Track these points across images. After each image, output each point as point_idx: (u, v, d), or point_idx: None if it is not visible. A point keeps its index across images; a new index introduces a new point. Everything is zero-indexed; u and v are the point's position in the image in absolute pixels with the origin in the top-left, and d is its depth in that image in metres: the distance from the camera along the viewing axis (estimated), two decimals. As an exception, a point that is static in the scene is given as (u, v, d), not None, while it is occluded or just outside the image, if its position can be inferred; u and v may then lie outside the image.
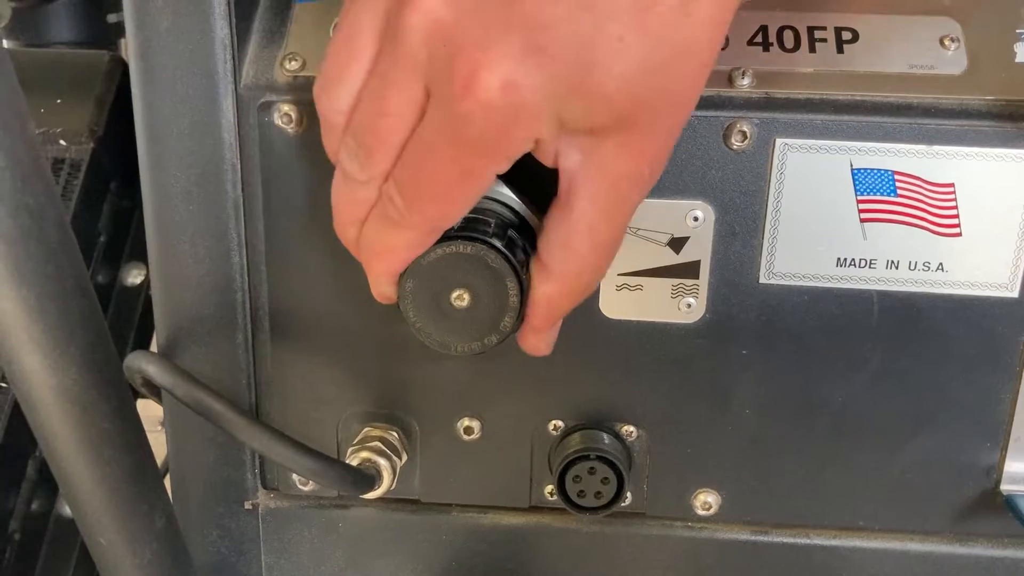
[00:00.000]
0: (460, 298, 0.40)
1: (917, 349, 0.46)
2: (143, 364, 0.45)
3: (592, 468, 0.47)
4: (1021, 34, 0.45)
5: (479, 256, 0.39)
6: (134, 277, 0.76)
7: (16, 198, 0.30)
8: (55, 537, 0.76)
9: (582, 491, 0.48)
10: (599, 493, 0.48)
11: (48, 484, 0.75)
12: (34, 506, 0.72)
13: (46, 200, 0.31)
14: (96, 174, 0.69)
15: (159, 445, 0.50)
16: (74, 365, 0.35)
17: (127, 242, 0.75)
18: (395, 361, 0.48)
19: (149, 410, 0.62)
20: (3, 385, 0.69)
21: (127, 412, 0.39)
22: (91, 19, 0.88)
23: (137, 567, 0.42)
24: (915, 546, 0.50)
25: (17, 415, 0.68)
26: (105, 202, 0.72)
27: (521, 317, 0.40)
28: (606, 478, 0.47)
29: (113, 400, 0.37)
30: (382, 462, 0.47)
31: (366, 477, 0.46)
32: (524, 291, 0.40)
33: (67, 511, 0.79)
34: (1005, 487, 0.48)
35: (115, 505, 0.40)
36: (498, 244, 0.39)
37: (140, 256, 0.74)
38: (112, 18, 0.86)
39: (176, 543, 0.44)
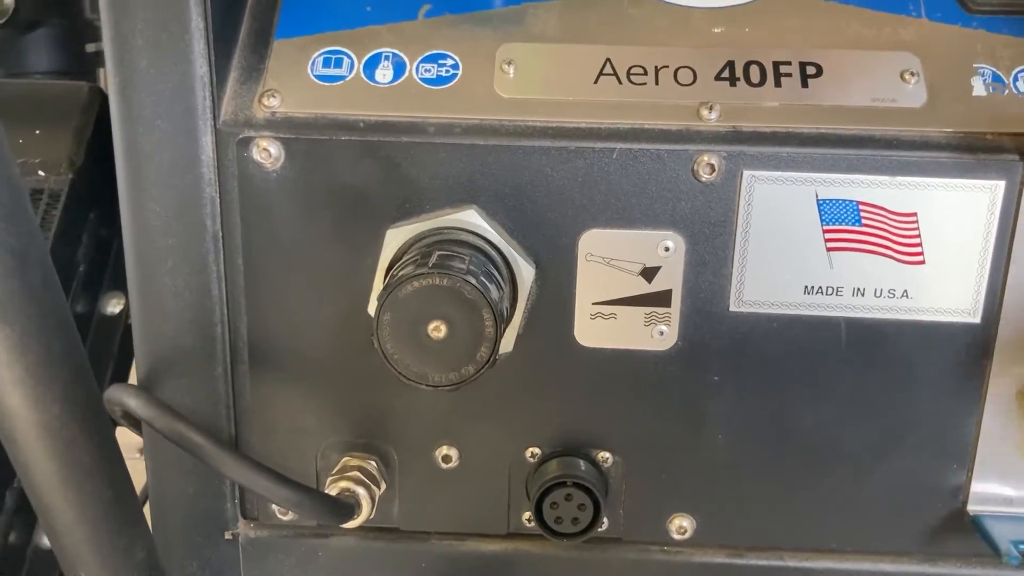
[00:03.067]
0: (437, 329, 0.41)
1: (884, 374, 0.48)
2: (123, 397, 0.45)
3: (569, 495, 0.48)
4: (978, 68, 0.47)
5: (455, 288, 0.40)
6: (113, 306, 0.76)
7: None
8: (32, 569, 0.76)
9: (559, 517, 0.48)
10: (576, 519, 0.48)
11: (25, 515, 0.75)
12: (12, 538, 0.72)
13: (29, 240, 0.32)
14: (75, 204, 0.69)
15: (139, 472, 0.50)
16: (56, 402, 0.36)
17: (106, 272, 0.75)
18: (373, 391, 0.49)
19: (127, 437, 0.62)
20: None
21: (108, 446, 0.39)
22: (70, 49, 0.88)
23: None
24: (886, 567, 0.51)
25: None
26: (84, 232, 0.72)
27: (497, 347, 0.41)
28: (583, 504, 0.48)
29: (94, 435, 0.38)
30: (361, 491, 0.48)
31: (345, 507, 0.47)
32: (499, 322, 0.41)
33: (45, 542, 0.79)
34: (972, 508, 0.49)
35: (96, 538, 0.40)
36: (472, 280, 0.40)
37: (119, 285, 0.74)
38: (91, 47, 0.87)
39: (157, 575, 0.44)
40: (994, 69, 0.47)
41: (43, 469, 0.37)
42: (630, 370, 0.48)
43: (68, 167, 0.68)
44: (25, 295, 0.33)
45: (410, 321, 0.41)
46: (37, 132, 0.72)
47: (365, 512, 0.48)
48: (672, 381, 0.48)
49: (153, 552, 0.44)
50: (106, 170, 0.51)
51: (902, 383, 0.48)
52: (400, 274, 0.41)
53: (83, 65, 0.86)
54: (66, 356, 0.35)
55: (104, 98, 0.69)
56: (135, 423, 0.49)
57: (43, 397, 0.35)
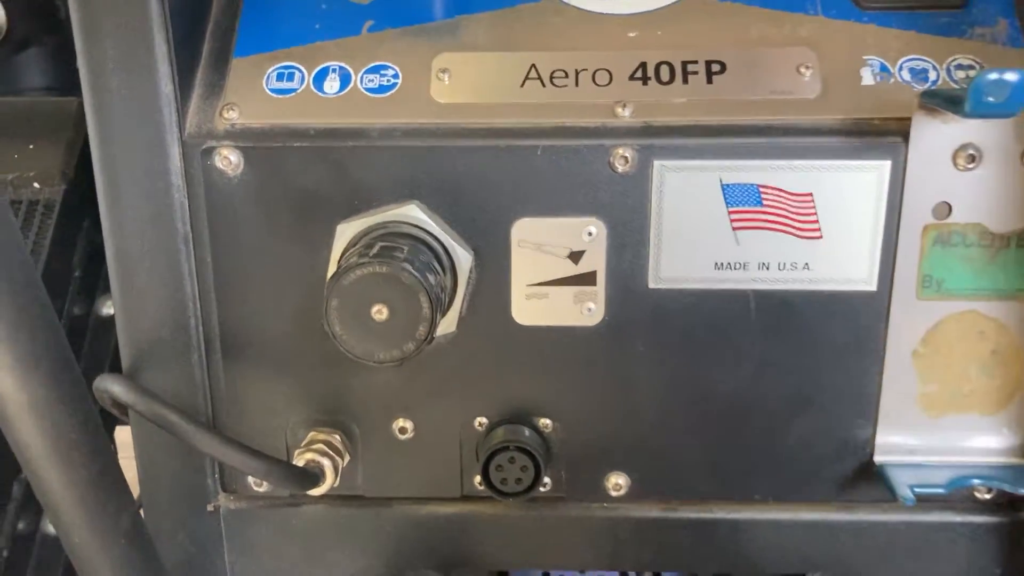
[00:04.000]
0: (380, 312, 0.46)
1: (793, 340, 0.53)
2: (109, 385, 0.51)
3: (512, 458, 0.53)
4: (867, 60, 0.52)
5: (394, 275, 0.45)
6: (108, 308, 0.81)
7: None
8: (40, 555, 0.81)
9: (504, 479, 0.54)
10: (519, 479, 0.54)
11: (33, 505, 0.81)
12: (20, 526, 0.78)
13: (10, 242, 0.37)
14: (69, 214, 0.74)
15: (131, 470, 0.55)
16: (42, 385, 0.41)
17: (100, 275, 0.80)
18: (335, 372, 0.54)
19: (123, 435, 0.66)
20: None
21: (92, 424, 0.44)
22: (61, 66, 0.93)
23: (108, 563, 0.48)
24: (804, 515, 0.56)
25: (1, 442, 0.73)
26: (78, 239, 0.77)
27: (433, 327, 0.46)
28: (525, 466, 0.53)
29: (79, 414, 0.43)
30: (325, 462, 0.53)
31: (311, 475, 0.52)
32: (434, 305, 0.46)
33: (52, 530, 0.85)
34: (878, 458, 0.54)
35: (83, 506, 0.45)
36: (409, 267, 0.45)
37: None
38: (81, 65, 0.91)
39: (143, 540, 0.50)
40: (882, 60, 0.52)
41: (33, 445, 0.42)
42: (564, 344, 0.53)
43: (61, 179, 0.73)
44: (10, 292, 0.38)
45: (355, 305, 0.46)
46: (31, 147, 0.77)
47: (329, 480, 0.53)
48: (602, 352, 0.53)
49: (139, 520, 0.49)
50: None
51: (809, 348, 0.53)
52: (345, 264, 0.46)
53: (74, 81, 0.91)
54: (50, 346, 0.41)
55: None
56: (122, 410, 0.54)
57: (30, 380, 0.40)
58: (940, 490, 0.52)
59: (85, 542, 0.47)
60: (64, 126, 0.78)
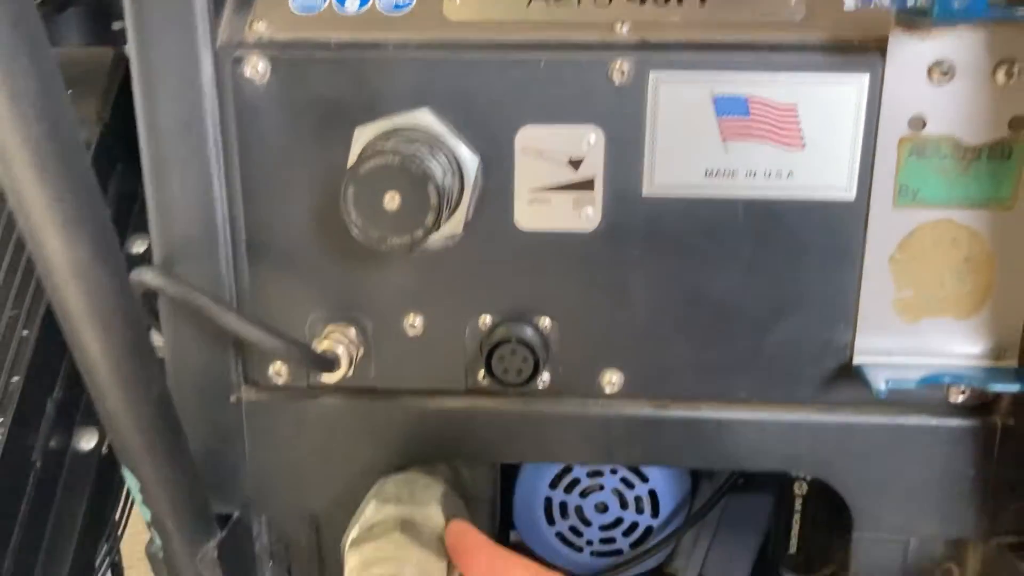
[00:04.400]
0: (392, 200, 0.50)
1: (777, 246, 0.56)
2: (141, 275, 0.55)
3: (513, 350, 0.57)
4: (851, -15, 0.55)
5: (404, 166, 0.50)
6: (138, 247, 0.85)
7: (40, 107, 0.41)
8: (71, 471, 0.86)
9: (506, 369, 0.58)
10: (520, 370, 0.58)
11: (66, 421, 0.86)
12: (52, 443, 0.82)
13: (61, 109, 0.42)
14: (103, 156, 0.78)
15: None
16: (87, 248, 0.45)
17: (131, 220, 0.85)
18: (351, 269, 0.59)
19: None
20: (24, 333, 0.79)
21: (129, 295, 0.49)
22: (98, 27, 0.98)
23: (137, 429, 0.52)
24: (787, 416, 0.60)
25: (37, 356, 0.78)
26: (111, 182, 0.81)
27: (440, 215, 0.50)
28: (525, 358, 0.57)
29: (118, 280, 0.47)
30: (341, 350, 0.58)
31: (327, 360, 0.57)
32: (442, 196, 0.50)
33: (83, 446, 0.90)
34: (857, 359, 0.58)
35: (119, 373, 0.50)
36: (419, 160, 0.49)
37: (142, 228, 0.84)
38: (116, 25, 0.96)
39: (170, 412, 0.54)
40: (866, -14, 0.56)
41: (76, 305, 0.47)
42: (563, 248, 0.57)
43: (97, 121, 0.78)
44: (60, 156, 0.42)
45: (370, 194, 0.50)
46: (69, 92, 0.81)
47: (344, 367, 0.58)
48: (598, 256, 0.57)
49: (167, 394, 0.54)
50: (130, 128, 0.59)
51: (793, 253, 0.56)
52: (362, 157, 0.51)
53: (110, 40, 0.96)
54: (93, 210, 0.45)
55: (128, 64, 0.79)
56: (152, 313, 0.59)
57: (75, 239, 0.45)
58: (912, 385, 0.55)
59: (118, 408, 0.51)
60: (100, 75, 0.82)
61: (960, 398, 0.58)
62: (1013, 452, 0.59)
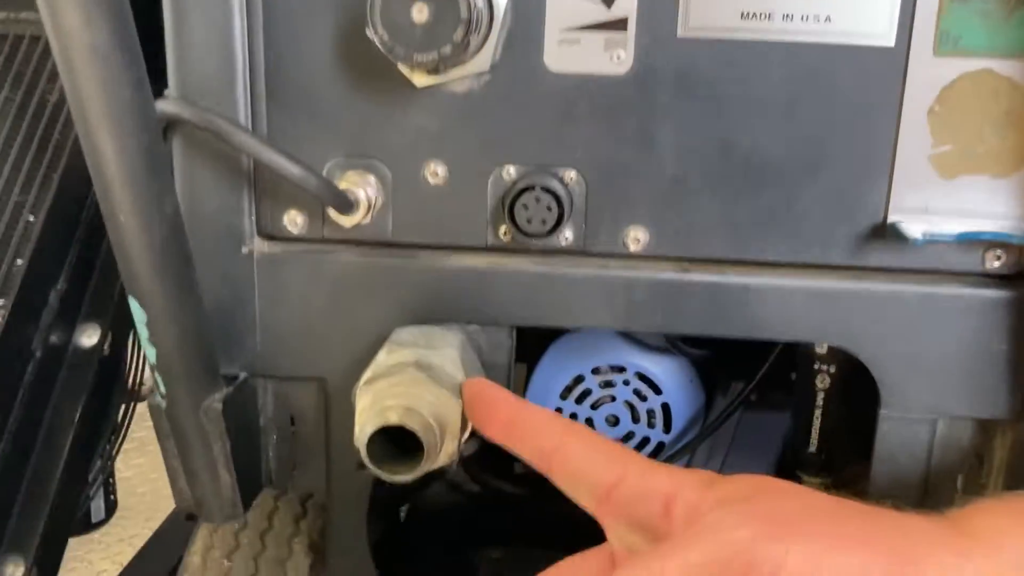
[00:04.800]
0: (420, 11, 0.49)
1: (812, 95, 0.55)
2: (163, 104, 0.54)
3: (538, 198, 0.56)
4: None
5: (436, -23, 0.48)
6: (89, 337, 0.84)
7: None
8: (71, 367, 0.84)
9: (529, 218, 0.56)
10: (544, 220, 0.56)
11: (67, 316, 0.84)
12: (53, 337, 0.80)
13: None
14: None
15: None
16: (105, 30, 0.44)
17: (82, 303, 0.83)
18: (372, 113, 0.57)
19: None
20: (31, 219, 0.77)
21: (146, 90, 0.47)
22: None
23: (148, 247, 0.50)
24: (816, 283, 0.58)
25: (42, 243, 0.76)
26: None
27: (469, 33, 0.49)
28: (549, 206, 0.56)
29: (135, 70, 0.46)
30: (360, 192, 0.56)
31: (345, 199, 0.55)
32: (471, 10, 0.48)
33: (84, 343, 0.88)
34: (892, 217, 0.56)
35: (132, 179, 0.48)
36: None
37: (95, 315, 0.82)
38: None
39: (182, 237, 0.52)
40: None
41: (90, 95, 0.45)
42: (592, 92, 0.56)
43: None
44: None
45: (398, 4, 0.48)
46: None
47: (362, 211, 0.56)
48: (628, 103, 0.56)
49: (180, 219, 0.52)
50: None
51: (828, 103, 0.55)
52: (390, -30, 0.49)
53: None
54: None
55: None
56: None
57: (95, 21, 0.43)
58: (950, 239, 0.54)
59: (130, 222, 0.49)
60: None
61: (996, 263, 0.57)
62: (1048, 325, 0.57)
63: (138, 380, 1.08)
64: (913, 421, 0.60)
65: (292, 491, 0.75)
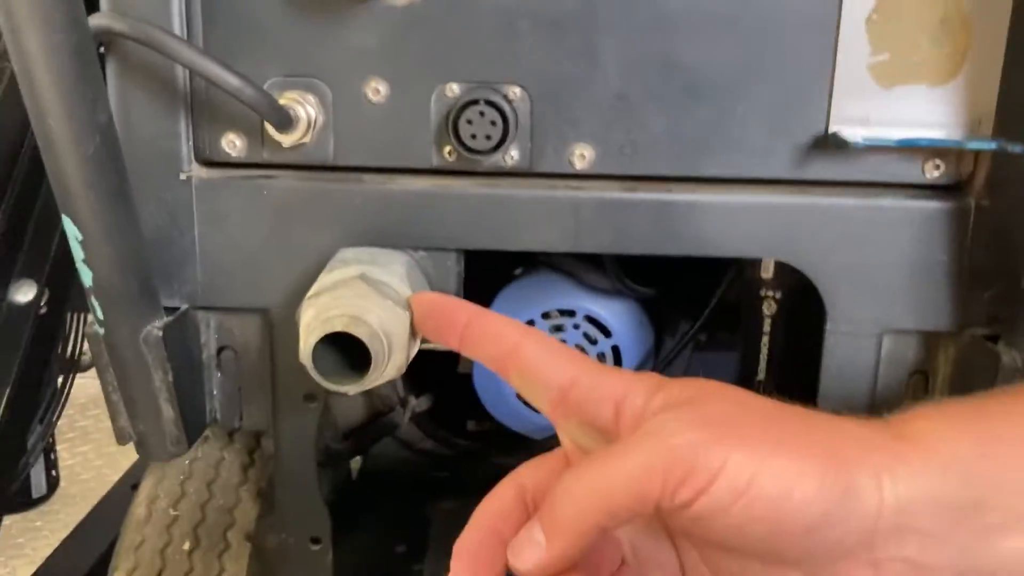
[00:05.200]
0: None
1: (753, 7, 0.55)
2: (99, 20, 0.52)
3: (482, 112, 0.55)
4: None
5: None
6: (24, 294, 0.83)
7: None
8: (6, 323, 0.82)
9: (474, 134, 0.55)
10: (488, 136, 0.55)
11: (2, 272, 0.82)
12: (-14, 295, 0.78)
13: None
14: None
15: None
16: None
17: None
18: (311, 30, 0.56)
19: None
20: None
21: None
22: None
23: (81, 158, 0.49)
24: (760, 198, 0.58)
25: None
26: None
27: None
28: (494, 121, 0.55)
29: None
30: (299, 109, 0.55)
31: (285, 114, 0.54)
32: None
33: (19, 299, 0.85)
34: (833, 127, 0.56)
35: (62, 82, 0.46)
36: None
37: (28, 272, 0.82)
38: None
39: (116, 151, 0.51)
40: None
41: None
42: (535, 7, 0.55)
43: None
44: None
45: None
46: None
47: (302, 128, 0.55)
48: (571, 17, 0.55)
49: (113, 131, 0.50)
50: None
51: (768, 15, 0.55)
52: None
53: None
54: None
55: None
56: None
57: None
58: (891, 143, 0.54)
59: (60, 130, 0.48)
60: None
61: (936, 173, 0.57)
62: (987, 235, 0.58)
63: (78, 349, 1.05)
64: (859, 335, 0.60)
65: (238, 430, 0.74)
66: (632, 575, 0.43)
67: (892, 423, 0.39)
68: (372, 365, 0.49)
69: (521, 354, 0.45)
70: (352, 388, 0.50)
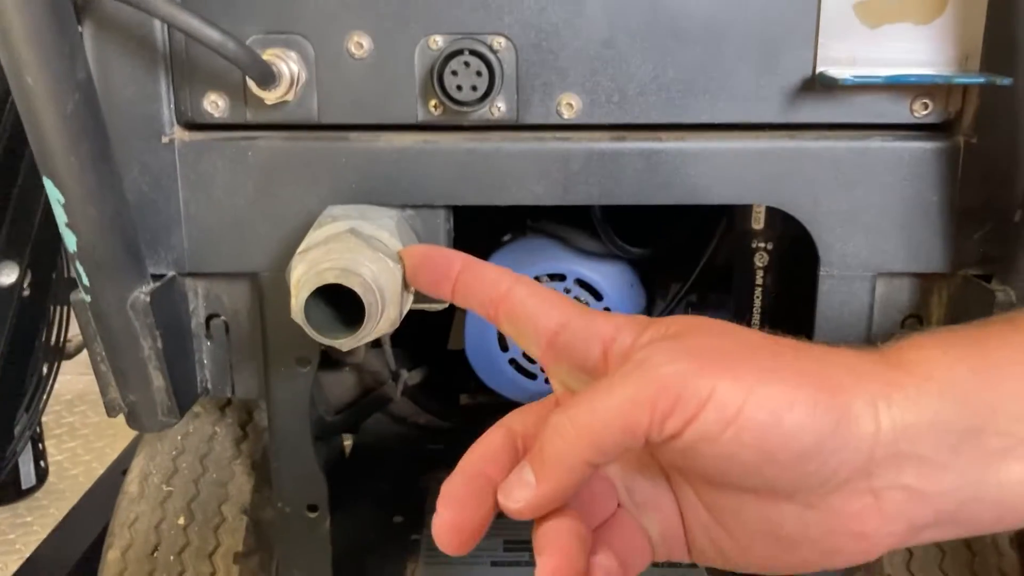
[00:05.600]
0: None
1: (737, -49, 0.55)
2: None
3: (467, 62, 0.54)
4: None
5: None
6: (7, 276, 0.81)
7: None
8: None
9: (459, 85, 0.55)
10: (475, 87, 0.55)
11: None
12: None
13: None
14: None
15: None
16: None
17: None
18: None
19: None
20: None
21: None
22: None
23: (60, 116, 0.48)
24: (750, 144, 0.58)
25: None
26: None
27: None
28: (480, 72, 0.55)
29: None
30: (282, 66, 0.54)
31: (267, 69, 0.53)
32: None
33: (1, 280, 0.84)
34: (821, 68, 0.56)
35: (39, 37, 0.45)
36: None
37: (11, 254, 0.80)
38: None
39: (95, 106, 0.50)
40: None
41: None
42: (516, -44, 0.55)
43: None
44: None
45: None
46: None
47: (285, 84, 0.54)
48: (546, -38, 0.55)
49: (92, 84, 0.49)
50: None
51: (752, -43, 0.55)
52: None
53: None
54: None
55: None
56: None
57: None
58: (879, 80, 0.54)
59: (38, 86, 0.47)
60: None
61: (924, 112, 0.57)
62: (977, 174, 0.58)
63: (63, 336, 1.04)
64: (853, 279, 0.60)
65: (230, 401, 0.73)
66: (628, 519, 0.43)
67: (887, 352, 0.39)
68: (366, 317, 0.48)
69: (512, 299, 0.44)
70: (346, 343, 0.49)
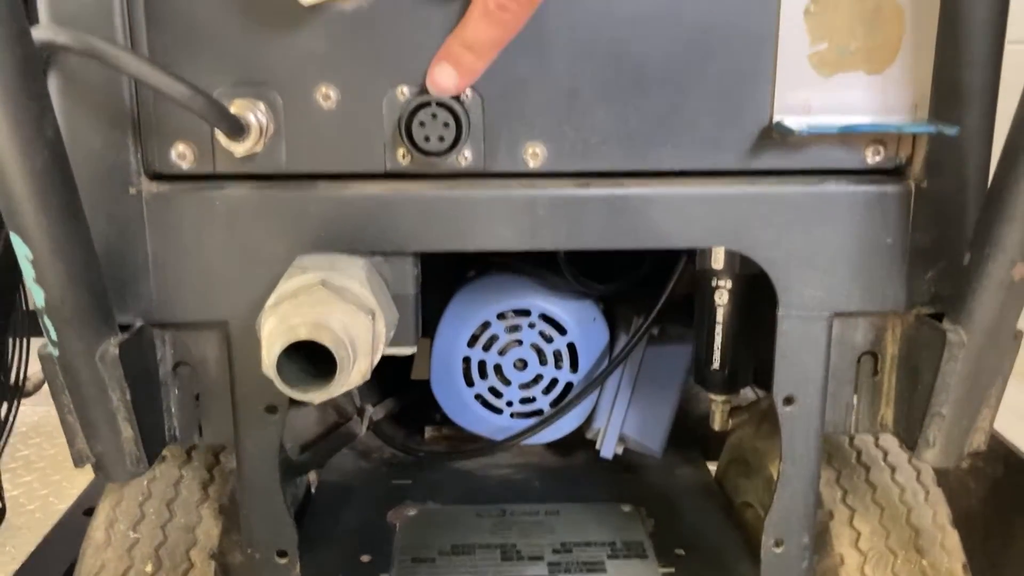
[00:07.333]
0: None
1: (697, 2, 0.56)
2: (40, 33, 0.51)
3: (434, 114, 0.55)
4: None
5: None
6: None
7: None
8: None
9: (427, 136, 0.55)
10: (442, 137, 0.56)
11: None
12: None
13: None
14: None
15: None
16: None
17: None
18: (258, 36, 0.55)
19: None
20: None
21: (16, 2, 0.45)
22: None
23: (29, 174, 0.48)
24: (710, 189, 0.59)
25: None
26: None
27: None
28: (447, 123, 0.55)
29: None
30: (251, 116, 0.54)
31: (236, 121, 0.53)
32: None
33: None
34: (777, 116, 0.58)
35: (7, 97, 0.45)
36: None
37: None
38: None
39: (64, 162, 0.50)
40: None
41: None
42: None
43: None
44: None
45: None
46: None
47: (253, 135, 0.55)
48: (518, 17, 0.56)
49: (60, 142, 0.49)
50: None
51: (711, 6, 0.56)
52: None
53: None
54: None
55: None
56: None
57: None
58: (832, 130, 0.56)
59: (7, 147, 0.47)
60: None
61: (877, 158, 0.59)
62: (927, 216, 0.60)
63: (22, 375, 1.03)
64: (810, 319, 0.62)
65: (197, 447, 0.73)
66: None
67: None
68: (337, 371, 0.49)
69: None
70: (318, 396, 0.50)
